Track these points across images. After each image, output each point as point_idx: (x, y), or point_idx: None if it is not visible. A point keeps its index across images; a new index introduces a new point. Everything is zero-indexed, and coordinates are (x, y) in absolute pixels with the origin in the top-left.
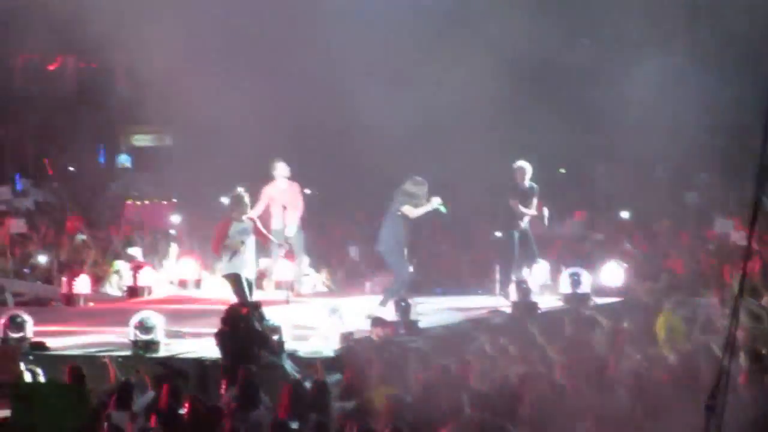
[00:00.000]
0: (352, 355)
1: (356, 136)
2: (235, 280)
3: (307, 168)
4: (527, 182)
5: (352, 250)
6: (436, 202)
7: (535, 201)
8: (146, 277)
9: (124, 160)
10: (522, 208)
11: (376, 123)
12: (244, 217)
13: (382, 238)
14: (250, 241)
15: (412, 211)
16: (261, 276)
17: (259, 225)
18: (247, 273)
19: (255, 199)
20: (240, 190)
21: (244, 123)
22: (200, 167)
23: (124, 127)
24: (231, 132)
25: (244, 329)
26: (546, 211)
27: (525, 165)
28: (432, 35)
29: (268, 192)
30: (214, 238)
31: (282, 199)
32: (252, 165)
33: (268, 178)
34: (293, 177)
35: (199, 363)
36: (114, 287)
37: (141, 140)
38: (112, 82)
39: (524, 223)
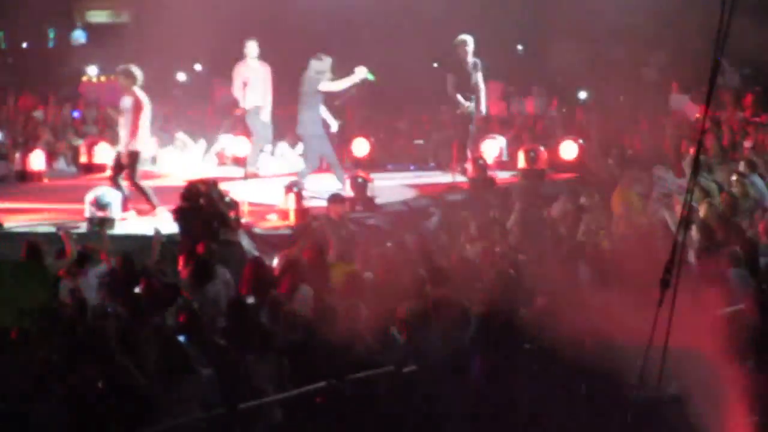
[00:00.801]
0: (309, 232)
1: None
2: None
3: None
4: (470, 57)
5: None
6: (361, 72)
7: (480, 76)
8: (102, 153)
9: (78, 36)
10: (459, 98)
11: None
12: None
13: (302, 120)
14: None
15: (333, 86)
16: (220, 153)
17: None
18: None
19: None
20: None
21: None
22: (157, 44)
23: (78, 2)
24: (188, 8)
25: (202, 205)
26: (483, 96)
27: (468, 38)
28: None
29: (241, 71)
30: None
31: (254, 78)
32: (208, 43)
33: (223, 56)
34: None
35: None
36: (69, 164)
37: (96, 16)
38: None
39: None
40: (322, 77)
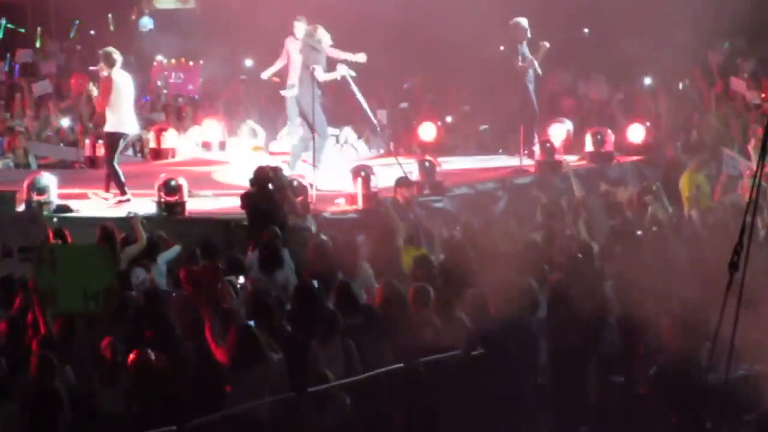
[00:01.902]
0: (377, 216)
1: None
2: None
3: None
4: (527, 38)
5: (381, 113)
6: (341, 70)
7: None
8: (170, 139)
9: (146, 22)
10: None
11: None
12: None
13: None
14: None
15: (321, 75)
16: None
17: None
18: None
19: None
20: None
21: None
22: (224, 30)
23: None
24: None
25: (271, 191)
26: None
27: (522, 20)
28: None
29: (288, 46)
30: None
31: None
32: (275, 28)
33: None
34: None
35: (224, 224)
36: (136, 152)
37: (164, 3)
38: None
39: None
40: (316, 53)
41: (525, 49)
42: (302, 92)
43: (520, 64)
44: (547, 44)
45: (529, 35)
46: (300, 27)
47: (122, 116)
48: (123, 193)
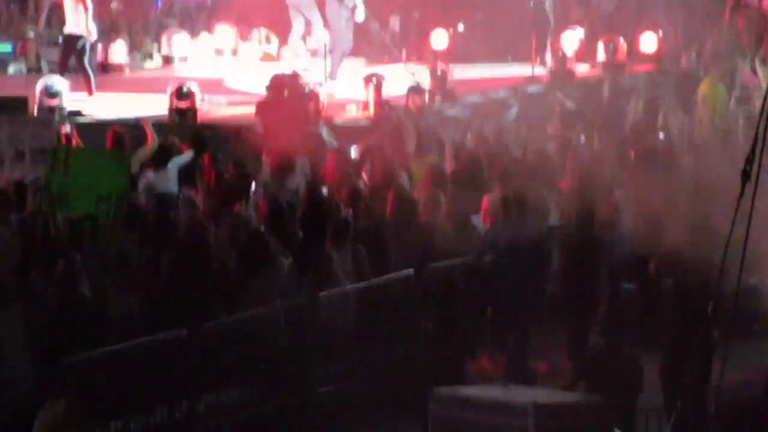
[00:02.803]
0: (388, 123)
1: None
2: None
3: None
4: None
5: (393, 21)
6: None
7: None
8: (181, 45)
9: None
10: None
11: None
12: None
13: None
14: None
15: None
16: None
17: None
18: None
19: None
20: None
21: None
22: None
23: None
24: None
25: (286, 98)
26: None
27: None
28: None
29: None
30: None
31: None
32: None
33: None
34: None
35: (237, 131)
36: (150, 55)
37: None
38: None
39: None
40: None
41: None
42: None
43: None
44: None
45: None
46: None
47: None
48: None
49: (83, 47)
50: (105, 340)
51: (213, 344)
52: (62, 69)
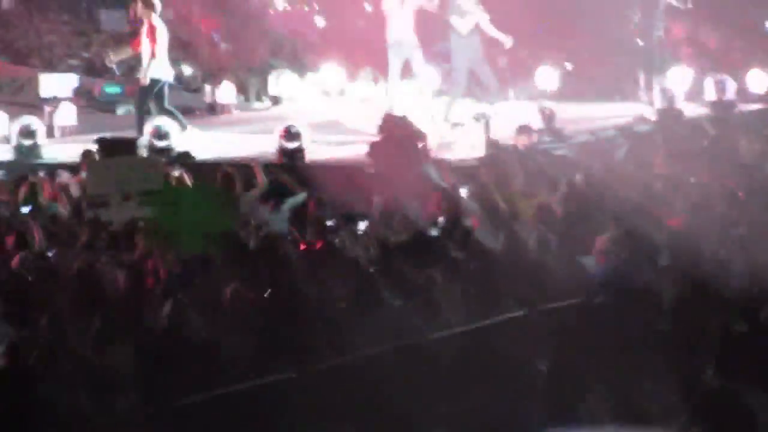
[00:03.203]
0: (496, 162)
1: None
2: None
3: None
4: None
5: (501, 59)
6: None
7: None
8: (290, 85)
9: None
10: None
11: None
12: None
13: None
14: None
15: (461, 25)
16: None
17: None
18: None
19: None
20: None
21: None
22: None
23: None
24: None
25: (398, 138)
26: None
27: None
28: None
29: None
30: None
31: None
32: None
33: None
34: None
35: (345, 172)
36: (256, 97)
37: None
38: None
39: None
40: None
41: None
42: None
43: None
44: None
45: None
46: None
47: (161, 62)
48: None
49: (161, 91)
50: (215, 382)
51: (322, 385)
52: (139, 113)
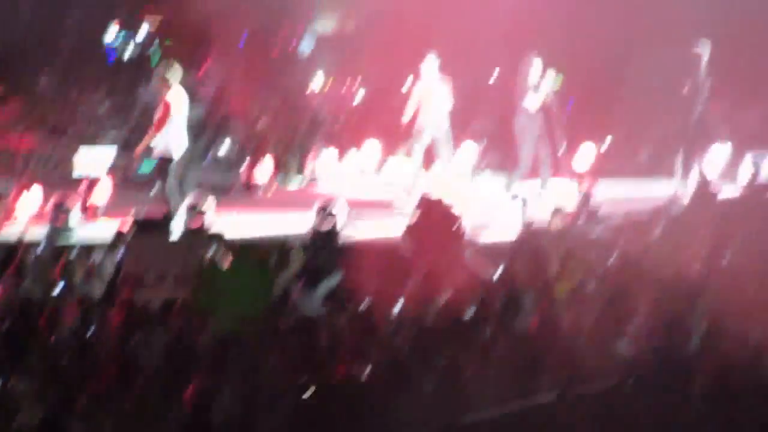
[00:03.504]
0: (531, 244)
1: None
2: None
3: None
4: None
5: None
6: (551, 77)
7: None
8: (327, 164)
9: (304, 46)
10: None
11: None
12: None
13: (515, 127)
14: None
15: (531, 102)
16: None
17: None
18: None
19: None
20: None
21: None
22: (384, 51)
23: (306, 12)
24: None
25: (436, 219)
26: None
27: (706, 46)
28: None
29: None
30: None
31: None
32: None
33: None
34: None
35: (382, 252)
36: (293, 175)
37: (324, 26)
38: None
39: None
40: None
41: (702, 73)
42: (516, 129)
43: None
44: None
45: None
46: (431, 65)
47: (176, 139)
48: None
49: (166, 168)
50: None
51: None
52: (164, 192)
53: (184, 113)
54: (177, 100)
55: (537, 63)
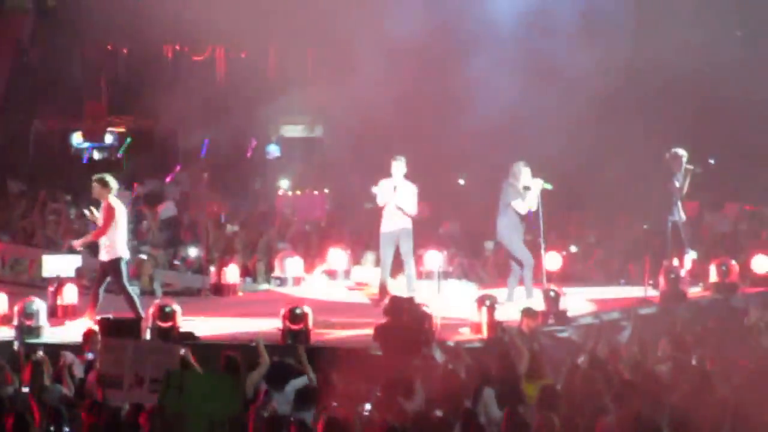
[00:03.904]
0: (500, 345)
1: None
2: None
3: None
4: (681, 170)
5: (488, 244)
6: (539, 184)
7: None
8: (294, 266)
9: (273, 150)
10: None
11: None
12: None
13: (499, 228)
14: None
15: (521, 206)
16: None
17: None
18: None
19: None
20: None
21: (397, 115)
22: (350, 158)
23: (273, 117)
24: (383, 124)
25: (406, 321)
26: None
27: (682, 152)
28: None
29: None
30: None
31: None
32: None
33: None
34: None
35: (349, 353)
36: (263, 278)
37: (291, 131)
38: (263, 72)
39: (680, 212)
40: (515, 191)
41: (679, 178)
42: (503, 230)
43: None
44: (696, 168)
45: (684, 166)
46: (399, 167)
47: (122, 241)
48: (137, 315)
49: (119, 268)
50: None
51: None
52: (125, 294)
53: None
54: (118, 204)
55: (526, 169)
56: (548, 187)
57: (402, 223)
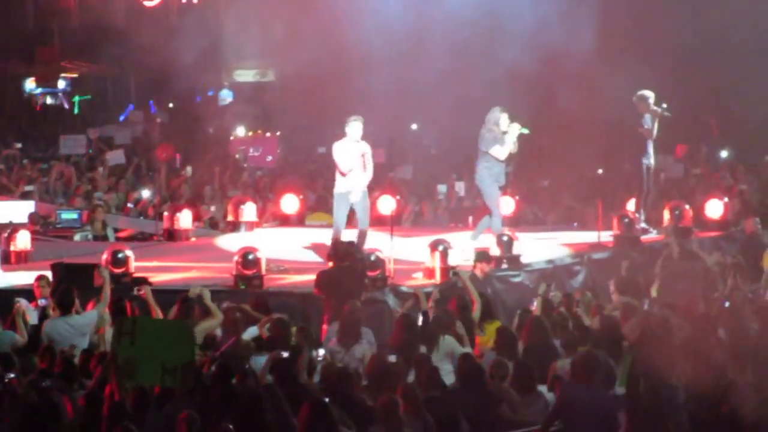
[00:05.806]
0: (454, 290)
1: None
2: None
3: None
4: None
5: (458, 185)
6: (516, 129)
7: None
8: (248, 212)
9: (225, 95)
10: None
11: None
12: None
13: (478, 172)
14: None
15: (500, 152)
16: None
17: None
18: None
19: None
20: None
21: (349, 61)
22: (303, 103)
23: (225, 62)
24: (335, 69)
25: (349, 265)
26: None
27: (649, 94)
28: None
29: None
30: None
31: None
32: (355, 103)
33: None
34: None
35: (303, 297)
36: (216, 223)
37: (243, 75)
38: (216, 18)
39: (650, 156)
40: (492, 137)
41: (648, 119)
42: (481, 178)
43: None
44: (665, 110)
45: (652, 107)
46: (358, 127)
47: None
48: None
49: None
50: None
51: None
52: None
53: None
54: None
55: (504, 115)
56: (525, 131)
57: (361, 185)
